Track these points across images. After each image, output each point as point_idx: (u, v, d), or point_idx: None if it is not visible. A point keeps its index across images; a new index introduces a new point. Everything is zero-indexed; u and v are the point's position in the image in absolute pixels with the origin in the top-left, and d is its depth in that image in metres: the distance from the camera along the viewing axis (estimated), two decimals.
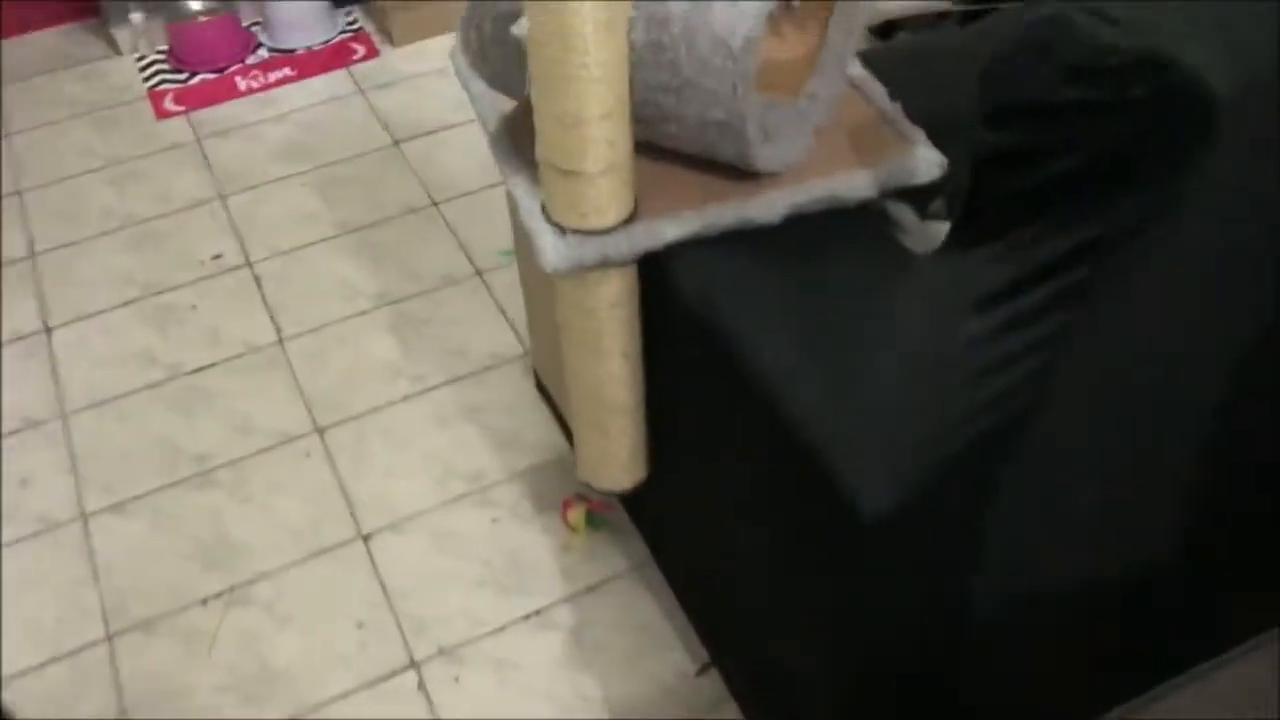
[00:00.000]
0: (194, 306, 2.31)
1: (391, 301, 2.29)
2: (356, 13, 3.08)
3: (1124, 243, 1.00)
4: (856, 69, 1.50)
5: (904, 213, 1.46)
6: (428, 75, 2.87)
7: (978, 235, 1.16)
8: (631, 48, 1.22)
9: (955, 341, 1.10)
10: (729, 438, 1.39)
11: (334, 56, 2.94)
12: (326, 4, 3.00)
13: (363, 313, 2.28)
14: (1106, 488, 1.18)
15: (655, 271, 1.36)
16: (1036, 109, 1.04)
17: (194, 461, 2.02)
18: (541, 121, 1.24)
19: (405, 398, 2.11)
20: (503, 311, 2.26)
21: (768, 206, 1.33)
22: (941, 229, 1.45)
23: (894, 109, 1.46)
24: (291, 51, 2.96)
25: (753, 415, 1.25)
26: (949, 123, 1.71)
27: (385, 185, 2.56)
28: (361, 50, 2.95)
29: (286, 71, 2.90)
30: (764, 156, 1.32)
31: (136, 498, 1.97)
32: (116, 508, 1.96)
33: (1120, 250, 1.00)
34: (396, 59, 2.94)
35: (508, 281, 2.29)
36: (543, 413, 2.07)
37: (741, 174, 1.36)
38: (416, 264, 2.37)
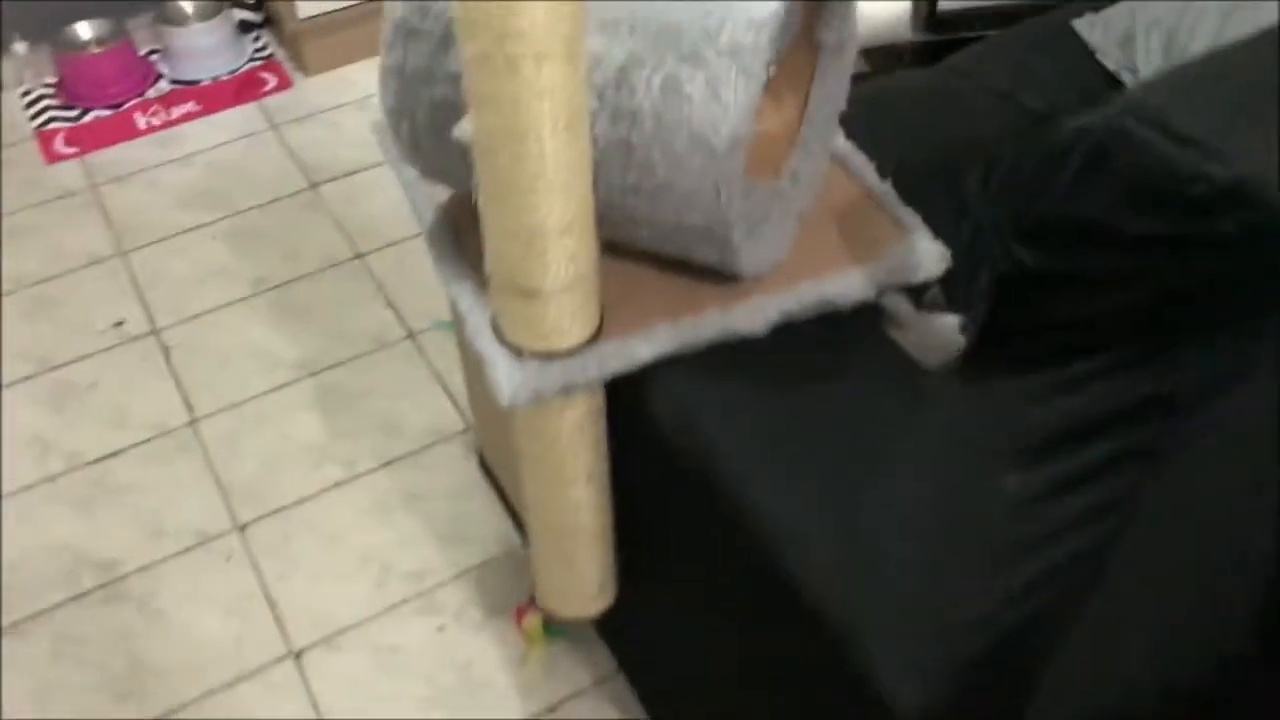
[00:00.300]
0: (94, 383, 2.08)
1: (315, 371, 2.08)
2: (266, 37, 2.84)
3: (1200, 401, 0.84)
4: (839, 140, 1.33)
5: (899, 304, 1.29)
6: (346, 107, 2.65)
7: (1009, 363, 1.00)
8: (593, 144, 1.04)
9: (995, 500, 0.94)
10: (716, 578, 1.22)
11: (243, 88, 2.70)
12: (232, 29, 2.76)
13: (283, 385, 2.06)
14: (1165, 649, 1.02)
15: (626, 388, 1.18)
16: (1092, 234, 0.88)
17: (99, 570, 1.80)
18: (491, 234, 1.05)
19: (335, 485, 1.91)
20: (439, 379, 2.06)
21: (752, 315, 1.16)
22: (943, 323, 1.29)
23: (884, 188, 1.29)
24: (195, 83, 2.71)
25: (751, 572, 1.08)
26: (927, 180, 1.55)
27: (303, 235, 2.34)
28: (273, 80, 2.72)
29: (190, 106, 2.66)
30: (748, 258, 1.14)
31: (33, 616, 1.74)
32: (11, 630, 1.73)
33: (1195, 409, 0.84)
34: (311, 89, 2.72)
35: (444, 344, 2.09)
36: (488, 497, 1.88)
37: (720, 274, 1.18)
38: (341, 326, 2.16)
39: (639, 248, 1.18)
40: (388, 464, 1.93)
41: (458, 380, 2.03)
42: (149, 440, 1.98)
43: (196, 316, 2.19)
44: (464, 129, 0.99)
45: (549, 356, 1.11)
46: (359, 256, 2.29)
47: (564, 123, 0.95)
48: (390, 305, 2.20)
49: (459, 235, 1.26)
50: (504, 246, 1.05)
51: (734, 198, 1.04)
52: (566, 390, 1.13)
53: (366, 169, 2.48)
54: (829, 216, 1.27)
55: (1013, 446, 0.94)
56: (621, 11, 1.02)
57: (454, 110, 1.09)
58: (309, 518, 1.86)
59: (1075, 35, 1.81)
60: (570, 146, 0.97)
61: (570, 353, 1.12)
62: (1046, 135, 0.90)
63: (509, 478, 1.78)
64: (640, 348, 1.13)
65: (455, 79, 1.07)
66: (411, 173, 1.26)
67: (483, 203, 1.03)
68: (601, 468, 1.26)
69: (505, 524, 1.84)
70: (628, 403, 1.19)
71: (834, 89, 1.24)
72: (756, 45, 0.99)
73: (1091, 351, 0.91)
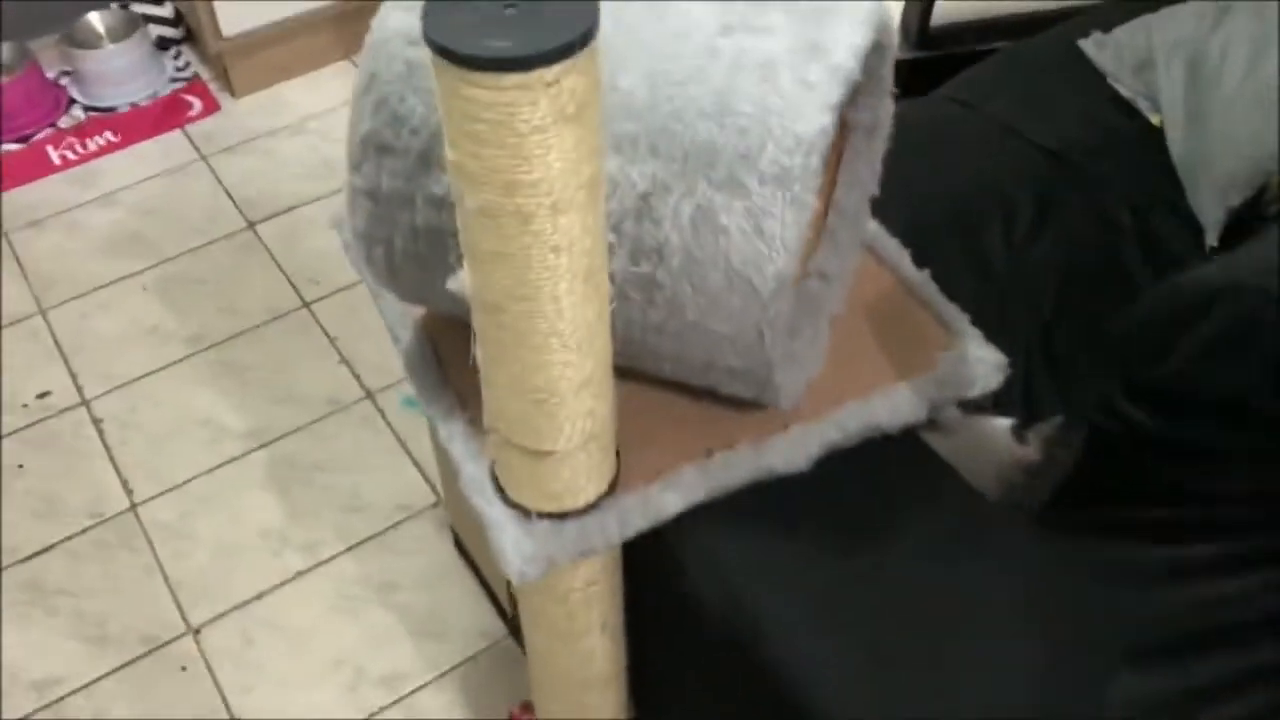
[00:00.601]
0: (20, 466, 1.88)
1: (265, 442, 1.90)
2: (188, 55, 2.61)
3: None
4: (869, 224, 1.17)
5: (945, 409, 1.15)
6: (281, 132, 2.44)
7: (1103, 529, 0.86)
8: (610, 280, 0.88)
9: (1099, 703, 0.80)
10: None
11: (165, 114, 2.48)
12: (150, 48, 2.52)
13: (231, 460, 1.88)
14: None
15: (647, 539, 1.02)
16: (1232, 409, 0.74)
17: (35, 690, 1.62)
18: (494, 393, 0.89)
19: (297, 575, 1.74)
20: (403, 445, 1.89)
21: (791, 451, 1.01)
22: (994, 427, 1.15)
23: (922, 278, 1.15)
24: (112, 110, 2.48)
25: None
26: (940, 236, 1.42)
27: (243, 283, 2.15)
28: (198, 104, 2.50)
29: (108, 136, 2.43)
30: (788, 394, 0.99)
31: None
32: None
33: None
34: (241, 113, 2.50)
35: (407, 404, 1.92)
36: (466, 581, 1.72)
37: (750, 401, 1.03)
38: (291, 387, 1.98)
39: (659, 378, 1.02)
40: (352, 548, 1.77)
41: (424, 445, 1.86)
42: (85, 531, 1.79)
43: (129, 383, 1.99)
44: (462, 280, 0.83)
45: (562, 517, 0.96)
46: (305, 305, 2.10)
47: (583, 275, 0.79)
48: (344, 361, 2.02)
49: (443, 361, 1.09)
50: (509, 407, 0.89)
51: (778, 340, 0.89)
52: (584, 555, 0.97)
53: (308, 203, 2.28)
54: (863, 317, 1.12)
55: (1122, 637, 0.80)
56: (637, 127, 0.86)
57: (438, 236, 0.93)
58: (270, 615, 1.69)
59: (1083, 57, 1.67)
60: (589, 300, 0.81)
61: (586, 510, 0.96)
62: (1171, 288, 0.75)
63: (487, 560, 1.63)
64: (666, 499, 0.98)
65: (439, 203, 0.91)
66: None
67: (482, 358, 0.87)
68: (617, 617, 1.11)
69: (486, 612, 1.68)
70: (647, 552, 1.04)
71: (865, 174, 1.09)
72: (806, 169, 0.83)
73: (1213, 535, 0.78)
